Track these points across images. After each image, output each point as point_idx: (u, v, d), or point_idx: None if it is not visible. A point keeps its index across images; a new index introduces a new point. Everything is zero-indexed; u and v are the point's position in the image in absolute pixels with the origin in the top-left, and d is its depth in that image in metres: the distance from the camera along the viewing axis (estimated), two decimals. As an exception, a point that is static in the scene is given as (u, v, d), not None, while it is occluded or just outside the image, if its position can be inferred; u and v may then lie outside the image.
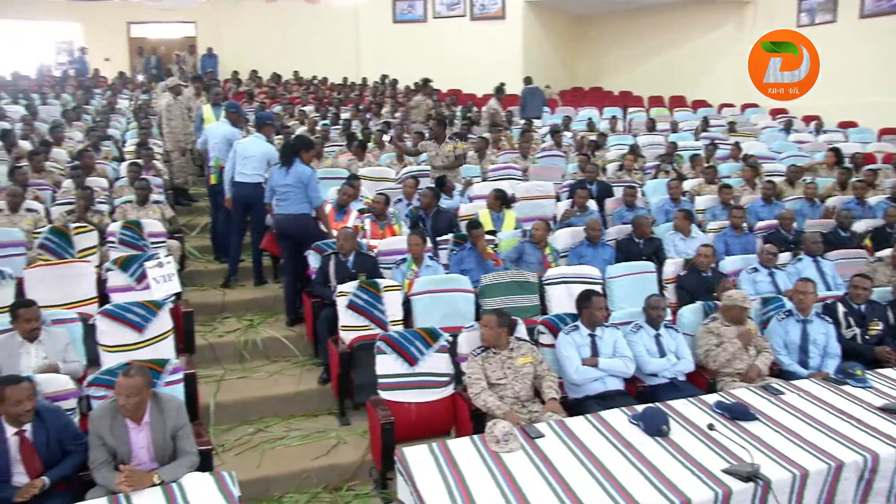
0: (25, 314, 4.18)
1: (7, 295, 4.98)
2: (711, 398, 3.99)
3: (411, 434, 4.21)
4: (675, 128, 12.35)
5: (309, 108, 12.48)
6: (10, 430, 3.38)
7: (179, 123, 8.75)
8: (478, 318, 5.17)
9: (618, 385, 4.50)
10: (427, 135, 8.93)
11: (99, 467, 3.37)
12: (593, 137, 10.60)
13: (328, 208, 6.41)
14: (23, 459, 3.40)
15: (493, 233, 6.53)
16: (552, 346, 4.67)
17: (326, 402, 5.22)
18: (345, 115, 11.73)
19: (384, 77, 16.15)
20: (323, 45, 17.69)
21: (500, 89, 11.64)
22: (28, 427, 3.42)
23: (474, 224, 6.06)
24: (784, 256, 6.21)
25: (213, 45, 17.47)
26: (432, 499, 3.10)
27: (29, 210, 6.33)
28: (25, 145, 8.58)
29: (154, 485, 3.24)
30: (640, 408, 3.82)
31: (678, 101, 15.86)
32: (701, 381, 4.72)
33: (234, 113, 7.28)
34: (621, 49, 17.74)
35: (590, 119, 12.63)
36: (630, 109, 14.41)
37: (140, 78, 15.90)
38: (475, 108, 13.31)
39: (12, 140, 8.49)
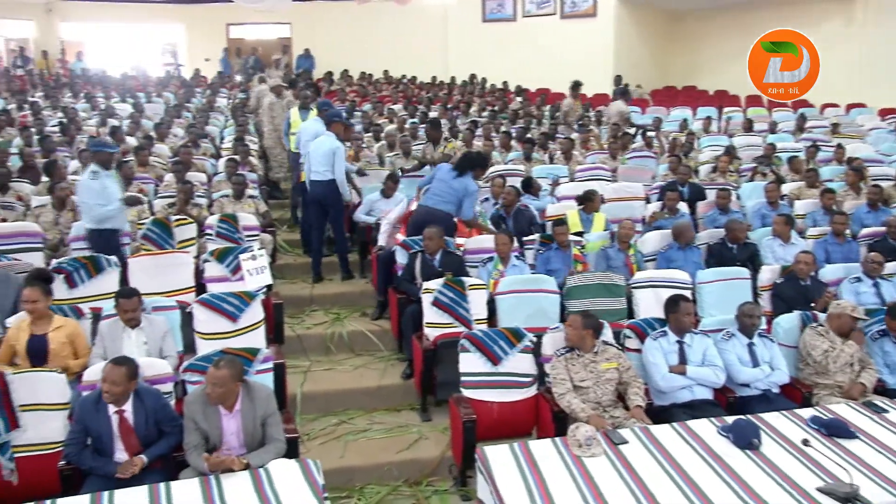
0: (123, 304, 4.40)
1: (112, 282, 5.27)
2: (807, 412, 3.83)
3: (492, 433, 4.21)
4: (773, 128, 11.83)
5: (398, 107, 12.62)
6: (112, 409, 3.59)
7: (282, 121, 9.00)
8: (563, 320, 5.13)
9: (706, 394, 4.36)
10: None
11: (192, 450, 3.53)
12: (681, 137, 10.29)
13: (414, 205, 6.48)
14: (122, 437, 3.60)
15: (580, 234, 6.44)
16: (639, 351, 4.57)
17: (409, 397, 5.28)
18: (433, 114, 11.81)
19: (472, 76, 16.18)
20: (412, 44, 17.89)
21: (575, 85, 11.49)
22: (128, 407, 3.62)
23: (559, 222, 6.00)
24: (891, 266, 5.85)
25: (306, 45, 17.96)
26: (512, 499, 3.10)
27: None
28: (132, 141, 9.05)
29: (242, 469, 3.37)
30: (729, 419, 3.70)
31: (778, 101, 15.16)
32: (796, 394, 4.52)
33: (326, 111, 7.45)
34: (718, 46, 17.09)
35: (684, 119, 12.26)
36: (726, 109, 13.88)
37: (238, 77, 16.50)
38: (563, 108, 13.16)
39: (120, 136, 8.98)
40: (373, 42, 17.94)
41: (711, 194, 7.44)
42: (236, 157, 7.98)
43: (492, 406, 4.33)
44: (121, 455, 3.60)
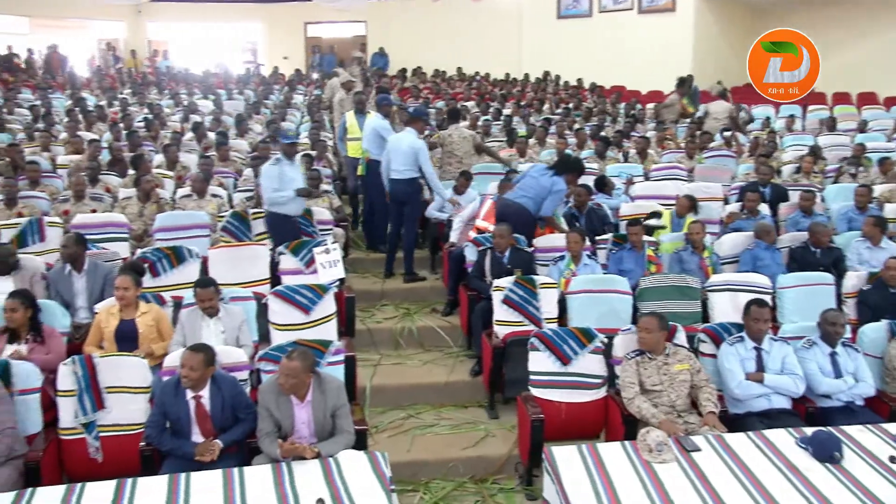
0: (200, 294, 4.56)
1: (193, 272, 5.46)
2: (894, 427, 3.63)
3: (560, 433, 4.18)
4: (863, 128, 11.28)
5: (471, 104, 12.64)
6: (189, 394, 3.73)
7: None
8: (634, 321, 5.04)
9: (784, 404, 4.21)
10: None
11: (265, 437, 3.63)
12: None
13: (488, 203, 6.47)
14: (198, 421, 3.74)
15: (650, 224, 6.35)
16: (713, 356, 4.45)
17: (477, 394, 5.29)
18: (506, 111, 11.78)
19: (546, 73, 16.05)
20: (486, 41, 17.87)
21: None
22: (205, 393, 3.76)
23: (633, 222, 5.89)
24: None
25: (381, 43, 18.18)
26: (579, 501, 3.07)
27: (214, 195, 6.89)
28: (214, 137, 9.35)
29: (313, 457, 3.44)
30: (809, 430, 3.56)
31: (867, 99, 14.46)
32: (883, 407, 4.29)
33: (385, 105, 7.53)
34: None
35: (766, 118, 11.84)
36: (810, 107, 13.33)
37: (314, 75, 16.84)
38: (639, 106, 12.92)
39: (202, 132, 9.30)
40: (446, 39, 18.02)
41: (794, 196, 7.16)
42: (312, 152, 8.13)
43: (560, 406, 4.29)
44: (197, 439, 3.74)
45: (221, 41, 20.34)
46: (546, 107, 12.80)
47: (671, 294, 5.28)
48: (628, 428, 4.01)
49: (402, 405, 5.22)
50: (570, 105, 12.84)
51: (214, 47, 19.81)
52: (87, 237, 5.42)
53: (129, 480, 3.27)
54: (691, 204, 6.48)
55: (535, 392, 4.31)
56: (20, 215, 6.18)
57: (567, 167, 6.18)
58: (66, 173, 7.53)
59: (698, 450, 3.45)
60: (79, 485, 3.24)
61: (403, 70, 16.69)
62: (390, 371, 5.56)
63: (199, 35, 20.27)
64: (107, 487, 3.21)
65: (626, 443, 3.57)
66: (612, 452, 3.47)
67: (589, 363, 4.37)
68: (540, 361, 4.35)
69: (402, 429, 4.93)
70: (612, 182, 7.43)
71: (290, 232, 6.01)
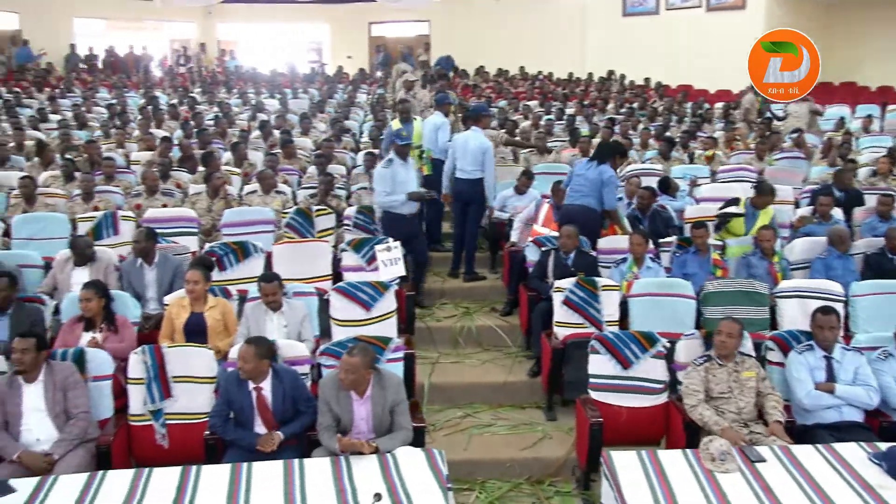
0: (265, 288, 4.66)
1: (257, 267, 5.59)
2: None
3: (619, 438, 4.12)
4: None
5: (533, 103, 12.56)
6: (251, 385, 3.82)
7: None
8: (698, 326, 4.93)
9: (856, 416, 4.03)
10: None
11: (324, 430, 3.69)
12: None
13: (545, 209, 6.42)
14: (259, 412, 3.83)
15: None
16: (781, 364, 4.31)
17: (535, 395, 5.26)
18: (569, 111, 11.67)
19: (610, 72, 15.83)
20: (549, 40, 17.74)
21: None
22: (265, 385, 3.84)
23: (699, 225, 5.75)
24: None
25: (444, 42, 18.22)
26: (638, 508, 3.02)
27: (278, 192, 7.02)
28: (279, 135, 9.53)
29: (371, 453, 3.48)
30: (883, 446, 3.42)
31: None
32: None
33: (444, 104, 7.52)
34: (882, 39, 15.72)
35: (840, 118, 11.40)
36: (889, 107, 12.76)
37: (378, 74, 17.02)
38: (706, 105, 12.62)
39: (268, 130, 9.51)
40: (509, 38, 17.96)
41: (870, 200, 6.86)
42: (375, 150, 8.22)
43: (620, 410, 4.23)
44: (259, 430, 3.83)
45: (288, 41, 20.75)
46: (610, 106, 12.64)
47: (738, 299, 5.12)
48: (690, 435, 3.92)
49: (460, 404, 5.23)
50: (635, 104, 12.62)
51: (281, 47, 20.22)
52: (158, 231, 5.62)
53: (194, 467, 3.37)
54: (770, 196, 6.24)
55: (594, 395, 4.26)
56: (96, 209, 6.45)
57: (609, 151, 6.10)
58: (139, 169, 7.79)
59: (763, 460, 3.36)
60: (146, 469, 3.36)
61: (463, 70, 16.69)
62: (449, 369, 5.58)
63: (266, 35, 20.72)
64: (172, 473, 3.33)
65: (688, 450, 3.50)
66: (673, 459, 3.41)
67: (650, 368, 4.28)
68: (600, 364, 4.29)
69: (459, 427, 4.94)
70: (677, 184, 7.28)
71: (406, 231, 6.11)
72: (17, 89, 13.23)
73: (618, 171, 6.34)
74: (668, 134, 9.58)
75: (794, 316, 5.04)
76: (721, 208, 6.31)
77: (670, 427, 4.24)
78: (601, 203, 5.95)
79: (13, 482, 3.27)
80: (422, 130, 7.56)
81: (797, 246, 5.98)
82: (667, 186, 7.11)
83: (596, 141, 8.92)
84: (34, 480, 3.29)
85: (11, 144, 8.70)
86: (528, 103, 12.49)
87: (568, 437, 4.72)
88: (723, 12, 16.08)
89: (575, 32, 17.92)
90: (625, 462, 3.38)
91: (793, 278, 5.55)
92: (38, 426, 3.76)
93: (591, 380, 4.29)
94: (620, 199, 6.94)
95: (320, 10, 19.78)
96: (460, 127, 7.69)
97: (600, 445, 3.92)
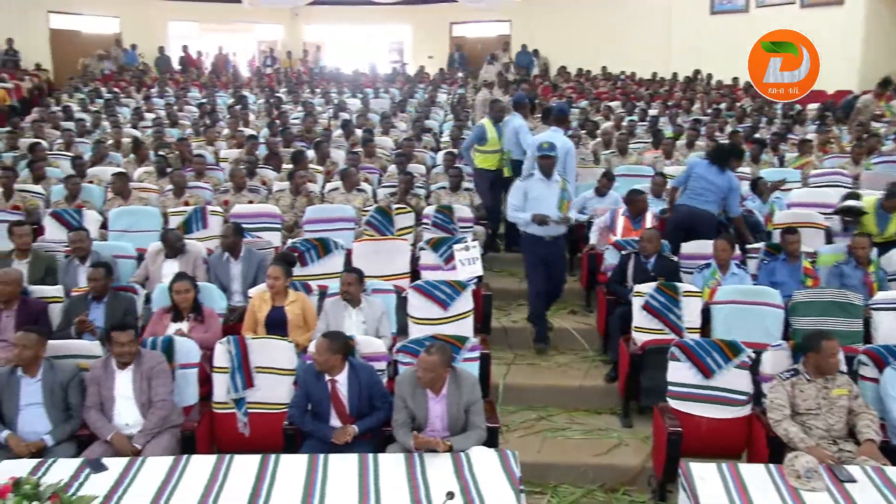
0: (344, 277, 4.78)
1: (338, 263, 5.69)
2: None
3: (698, 449, 4.00)
4: None
5: (615, 104, 12.35)
6: (327, 378, 3.90)
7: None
8: (785, 337, 4.74)
9: (960, 437, 3.80)
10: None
11: (399, 427, 3.73)
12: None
13: (621, 220, 6.28)
14: (333, 404, 3.90)
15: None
16: (874, 380, 4.09)
17: (611, 400, 5.17)
18: (652, 112, 11.42)
19: (696, 72, 15.40)
20: (633, 39, 17.38)
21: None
22: (341, 378, 3.92)
23: (789, 231, 5.53)
24: None
25: (526, 42, 18.13)
26: (718, 522, 2.92)
27: (360, 190, 7.14)
28: (360, 134, 9.70)
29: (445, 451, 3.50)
30: None
31: None
32: None
33: (523, 106, 7.45)
34: None
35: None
36: None
37: (459, 74, 17.09)
38: (798, 107, 12.09)
39: (350, 129, 9.68)
40: (592, 38, 17.70)
41: None
42: (454, 150, 8.24)
43: (700, 420, 4.11)
44: (335, 423, 3.90)
45: (371, 42, 21.09)
46: (696, 107, 12.29)
47: (830, 310, 4.89)
48: (774, 450, 3.77)
49: (534, 406, 5.19)
50: (722, 105, 12.24)
51: (364, 48, 20.57)
52: (244, 226, 5.80)
53: (273, 456, 3.47)
54: None
55: (673, 403, 4.15)
56: (186, 204, 6.72)
57: (727, 154, 5.98)
58: (227, 166, 8.07)
59: (854, 481, 3.20)
60: (228, 455, 3.48)
61: (546, 69, 16.58)
62: (524, 371, 5.55)
63: (350, 36, 21.12)
64: (252, 460, 3.43)
65: (772, 466, 3.37)
66: (755, 474, 3.30)
67: (733, 378, 4.14)
68: (680, 372, 4.18)
69: (532, 430, 4.90)
70: (768, 186, 6.99)
71: (543, 255, 5.59)
72: (116, 89, 13.94)
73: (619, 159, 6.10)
74: (757, 136, 9.24)
75: (890, 329, 4.78)
76: (843, 199, 6.10)
77: (753, 440, 4.09)
78: (719, 209, 5.84)
79: (106, 461, 3.44)
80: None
81: (895, 256, 5.67)
82: (754, 190, 6.85)
83: (680, 143, 8.73)
84: (125, 460, 3.46)
85: (110, 142, 9.19)
86: (610, 104, 12.29)
87: (644, 446, 4.62)
88: (819, 8, 15.34)
89: (660, 31, 17.48)
90: (704, 474, 3.29)
91: (890, 289, 5.26)
92: (126, 412, 3.95)
93: (670, 388, 4.18)
94: None
95: (403, 11, 20.01)
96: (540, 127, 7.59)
97: (678, 456, 3.82)
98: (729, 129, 9.80)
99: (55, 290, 5.09)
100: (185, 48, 18.19)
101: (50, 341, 4.12)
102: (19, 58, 16.20)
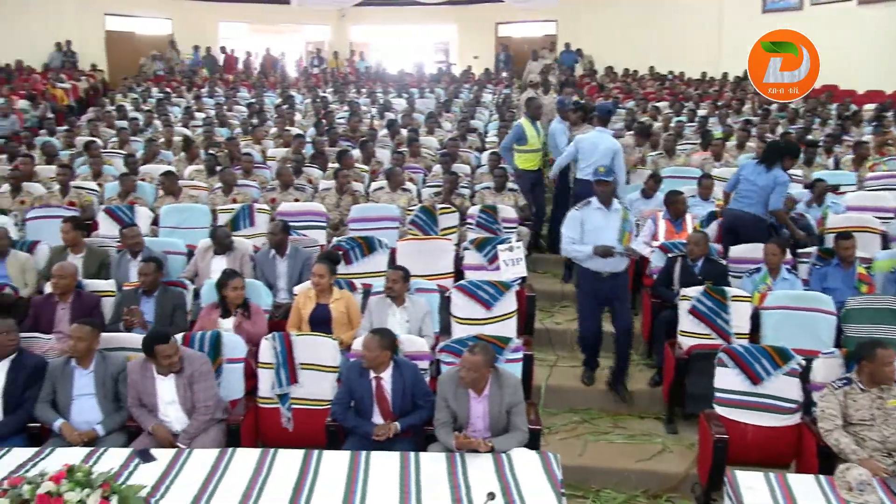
0: (390, 274, 4.82)
1: (382, 262, 5.73)
2: None
3: (745, 457, 3.94)
4: None
5: (663, 104, 12.17)
6: (372, 375, 3.93)
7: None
8: (837, 345, 4.61)
9: None
10: None
11: (441, 426, 3.74)
12: None
13: (663, 224, 6.20)
14: (377, 402, 3.93)
15: None
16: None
17: (655, 405, 5.10)
18: (701, 112, 11.21)
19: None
20: (682, 39, 17.10)
21: None
22: (386, 376, 3.94)
23: (844, 236, 5.37)
24: None
25: (571, 41, 17.98)
26: (765, 532, 2.86)
27: (405, 190, 7.18)
28: (406, 133, 9.74)
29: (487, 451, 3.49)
30: None
31: None
32: None
33: (562, 109, 7.38)
34: None
35: None
36: None
37: (503, 74, 17.05)
38: (853, 107, 11.75)
39: (396, 129, 9.73)
40: (639, 37, 17.48)
41: None
42: (498, 150, 8.22)
43: (747, 428, 4.03)
44: (377, 420, 3.93)
45: (417, 42, 21.18)
46: (746, 107, 12.02)
47: (886, 318, 4.75)
48: (824, 461, 3.68)
49: (577, 409, 5.16)
50: (774, 106, 11.94)
51: (410, 48, 20.67)
52: (290, 224, 5.87)
53: (316, 452, 3.51)
54: None
55: (719, 410, 4.08)
56: (234, 201, 6.84)
57: (780, 153, 5.83)
58: (274, 165, 8.19)
59: (910, 494, 3.09)
60: (272, 450, 3.54)
61: (593, 70, 16.42)
62: (566, 373, 5.51)
63: (396, 37, 21.25)
64: (296, 455, 3.48)
65: (822, 477, 3.29)
66: (804, 485, 3.22)
67: (782, 386, 4.04)
68: (727, 378, 4.10)
69: (575, 433, 4.87)
70: (827, 189, 6.80)
71: (604, 292, 5.01)
72: (168, 89, 14.26)
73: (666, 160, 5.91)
74: (809, 137, 9.00)
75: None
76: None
77: (802, 450, 4.00)
78: (765, 209, 5.71)
79: (154, 451, 3.53)
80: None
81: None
82: (816, 192, 6.67)
83: (730, 144, 8.55)
84: (172, 452, 3.54)
85: (161, 140, 9.41)
86: (658, 104, 12.11)
87: (689, 452, 4.55)
88: (878, 5, 14.86)
89: (710, 30, 17.16)
90: (750, 483, 3.23)
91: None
92: (173, 415, 3.99)
93: (717, 394, 4.11)
94: None
95: (449, 12, 20.04)
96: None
97: (724, 463, 3.75)
98: (780, 130, 9.56)
99: (108, 285, 5.24)
100: (222, 48, 18.50)
101: (102, 334, 4.23)
102: (77, 59, 16.74)
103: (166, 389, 3.99)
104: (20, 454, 3.50)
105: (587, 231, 4.92)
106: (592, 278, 4.99)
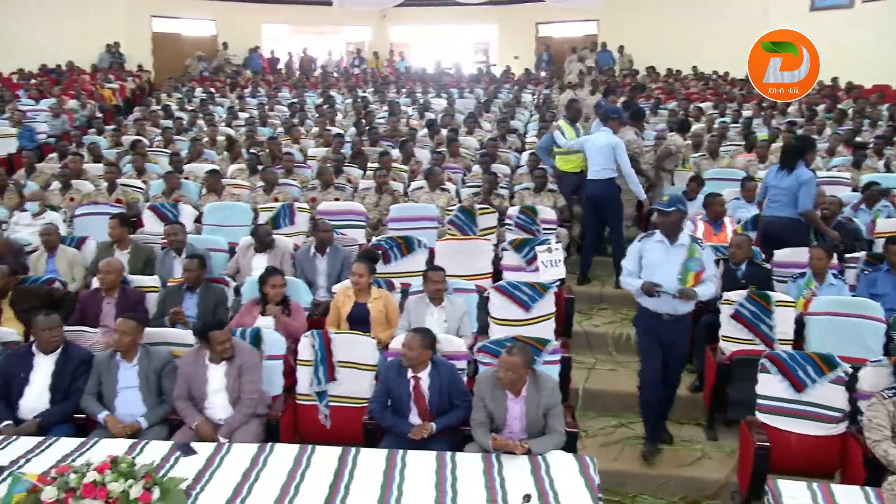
0: (432, 276, 4.82)
1: (420, 262, 5.76)
2: None
3: (787, 466, 3.86)
4: None
5: (706, 105, 11.98)
6: (410, 374, 3.94)
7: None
8: (886, 353, 4.49)
9: None
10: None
11: (478, 427, 3.73)
12: None
13: (701, 225, 6.10)
14: (415, 401, 3.94)
15: None
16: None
17: (694, 411, 5.02)
18: (746, 113, 11.00)
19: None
20: (726, 38, 16.72)
21: None
22: (424, 375, 3.95)
23: (894, 240, 5.22)
24: None
25: (614, 41, 17.80)
26: (807, 543, 2.79)
27: (444, 189, 7.19)
28: (445, 133, 9.75)
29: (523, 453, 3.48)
30: None
31: None
32: None
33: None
34: None
35: None
36: None
37: (542, 74, 16.97)
38: (905, 108, 11.42)
39: (435, 129, 9.75)
40: (682, 36, 17.20)
41: None
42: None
43: (790, 436, 3.94)
44: (413, 419, 3.95)
45: (457, 42, 21.19)
46: (793, 108, 11.76)
47: (938, 326, 4.61)
48: (871, 472, 3.57)
49: (614, 412, 5.10)
50: (821, 106, 11.67)
51: (450, 48, 20.69)
52: (330, 222, 5.93)
53: (353, 449, 3.53)
54: None
55: (761, 417, 3.99)
56: (276, 200, 6.93)
57: (797, 152, 5.70)
58: (314, 164, 8.27)
59: (962, 509, 2.99)
60: (310, 446, 3.57)
61: (633, 69, 16.22)
62: (604, 376, 5.46)
63: (436, 37, 21.29)
64: (333, 452, 3.50)
65: (868, 489, 3.20)
66: (850, 496, 3.14)
67: (827, 393, 3.94)
68: (770, 385, 4.01)
69: (612, 437, 4.82)
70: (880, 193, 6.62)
71: (660, 334, 4.39)
72: (212, 90, 14.51)
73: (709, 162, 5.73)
74: (859, 139, 8.77)
75: None
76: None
77: (848, 460, 3.89)
78: (798, 208, 5.59)
79: (195, 445, 3.59)
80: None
81: None
82: (868, 196, 6.50)
83: (776, 146, 8.37)
84: (212, 446, 3.60)
85: (206, 140, 9.58)
86: (701, 105, 11.92)
87: (729, 459, 4.48)
88: (936, 4, 14.41)
89: (755, 29, 16.69)
90: (793, 492, 3.16)
91: None
92: (219, 404, 4.08)
93: (759, 401, 4.02)
94: None
95: (489, 11, 20.00)
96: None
97: (766, 472, 3.68)
98: (828, 131, 9.33)
99: (152, 280, 5.36)
100: (254, 49, 18.71)
101: (146, 329, 4.33)
102: (124, 60, 17.14)
103: (216, 377, 4.08)
104: (66, 444, 3.59)
105: (644, 265, 4.38)
106: (649, 318, 4.43)
